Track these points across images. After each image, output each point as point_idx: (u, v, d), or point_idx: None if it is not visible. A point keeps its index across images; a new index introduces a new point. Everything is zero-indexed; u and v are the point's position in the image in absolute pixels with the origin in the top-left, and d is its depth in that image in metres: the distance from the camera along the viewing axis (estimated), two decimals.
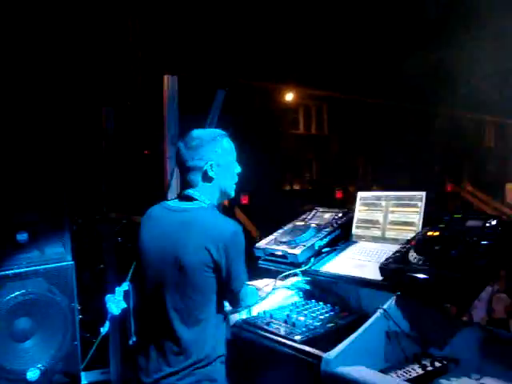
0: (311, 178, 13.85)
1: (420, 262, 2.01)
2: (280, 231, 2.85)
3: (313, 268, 2.52)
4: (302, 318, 2.24)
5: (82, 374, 3.32)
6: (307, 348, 1.97)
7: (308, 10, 8.60)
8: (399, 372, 1.83)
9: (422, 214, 2.38)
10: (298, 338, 2.04)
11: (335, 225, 2.69)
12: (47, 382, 3.03)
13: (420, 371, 1.82)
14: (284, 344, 2.05)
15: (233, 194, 2.14)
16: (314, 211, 2.97)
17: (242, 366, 2.22)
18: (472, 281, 1.89)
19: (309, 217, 2.92)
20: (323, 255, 2.58)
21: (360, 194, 2.74)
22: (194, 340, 1.90)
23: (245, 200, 9.85)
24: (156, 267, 1.99)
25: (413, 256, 2.06)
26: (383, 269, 2.12)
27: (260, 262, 2.79)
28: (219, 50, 8.35)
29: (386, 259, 2.16)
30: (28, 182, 3.16)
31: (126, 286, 3.11)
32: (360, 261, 2.43)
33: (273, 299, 2.49)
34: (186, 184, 2.08)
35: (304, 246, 2.56)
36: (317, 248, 2.58)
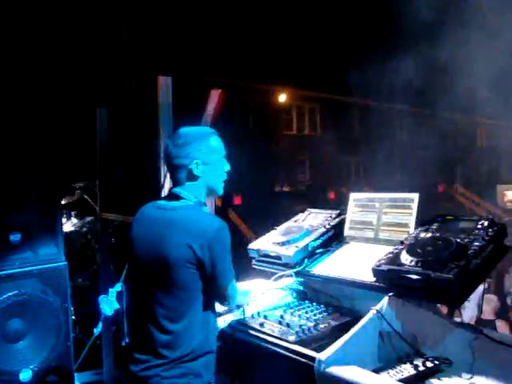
0: (304, 179, 13.89)
1: (412, 263, 2.02)
2: (273, 232, 2.86)
3: (306, 269, 2.53)
4: (295, 319, 2.25)
5: (75, 374, 3.31)
6: (301, 348, 1.98)
7: (301, 13, 8.64)
8: (391, 372, 1.84)
9: (414, 215, 2.40)
10: (291, 338, 2.04)
11: (328, 226, 2.70)
12: (40, 382, 3.02)
13: (412, 371, 1.84)
14: (278, 345, 2.06)
15: (221, 191, 2.15)
16: (307, 212, 2.98)
17: (236, 366, 2.23)
18: (463, 282, 1.91)
19: (302, 218, 2.93)
20: (316, 256, 2.59)
21: (353, 196, 2.74)
22: (180, 335, 1.94)
23: (238, 200, 9.86)
24: (144, 265, 2.03)
25: (405, 257, 2.08)
26: (376, 270, 2.14)
27: (254, 262, 2.81)
28: (213, 52, 8.36)
29: (379, 260, 2.17)
30: (21, 182, 3.15)
31: (119, 286, 3.11)
32: (353, 262, 2.44)
33: (266, 300, 2.50)
34: (173, 182, 2.09)
35: (297, 247, 2.57)
36: (310, 249, 2.59)
